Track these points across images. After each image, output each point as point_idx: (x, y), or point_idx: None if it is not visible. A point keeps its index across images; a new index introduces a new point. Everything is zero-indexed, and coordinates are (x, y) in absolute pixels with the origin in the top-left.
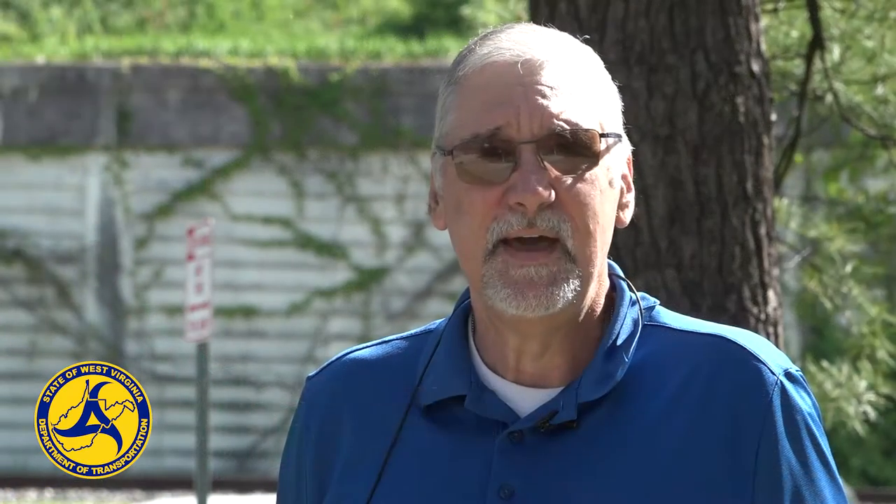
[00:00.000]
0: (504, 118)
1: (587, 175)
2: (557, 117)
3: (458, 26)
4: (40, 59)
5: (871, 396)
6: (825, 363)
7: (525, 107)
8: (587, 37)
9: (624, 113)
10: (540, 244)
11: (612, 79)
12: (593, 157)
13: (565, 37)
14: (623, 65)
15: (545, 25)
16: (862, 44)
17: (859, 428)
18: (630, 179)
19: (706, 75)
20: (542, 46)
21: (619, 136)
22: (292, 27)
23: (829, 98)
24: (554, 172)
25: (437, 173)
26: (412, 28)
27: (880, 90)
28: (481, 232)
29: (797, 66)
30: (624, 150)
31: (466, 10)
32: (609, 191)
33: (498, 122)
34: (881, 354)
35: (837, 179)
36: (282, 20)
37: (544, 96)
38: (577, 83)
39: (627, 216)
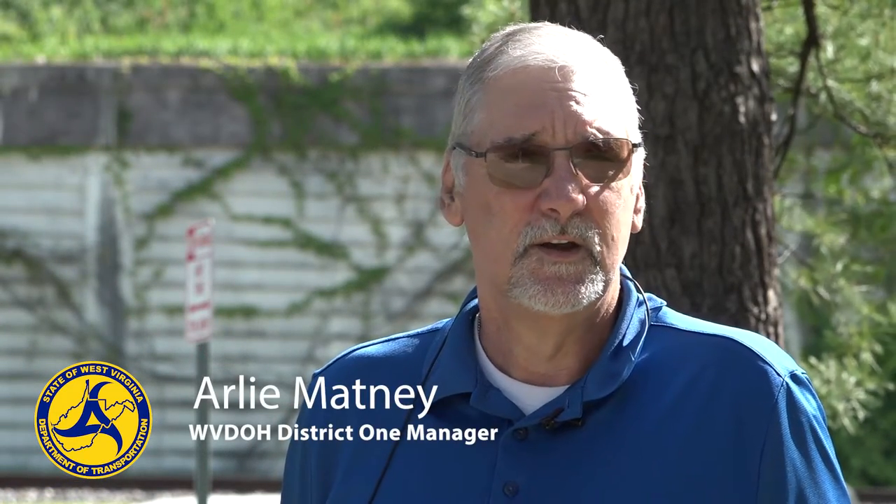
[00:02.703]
0: (539, 123)
1: (614, 183)
2: (591, 125)
3: (458, 26)
4: (40, 59)
5: (860, 394)
6: (813, 360)
7: (560, 112)
8: (602, 37)
9: None
10: (570, 249)
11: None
12: (623, 166)
13: (592, 41)
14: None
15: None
16: (856, 41)
17: (848, 424)
18: (641, 185)
19: (706, 75)
20: (574, 52)
21: (640, 143)
22: (292, 27)
23: (823, 96)
24: (583, 179)
25: (459, 171)
26: (412, 28)
27: (875, 87)
28: (513, 236)
29: (791, 64)
30: (642, 156)
31: (466, 10)
32: (629, 198)
33: (533, 128)
34: (866, 356)
35: (839, 182)
36: (282, 20)
37: (578, 103)
38: (608, 91)
39: (640, 221)
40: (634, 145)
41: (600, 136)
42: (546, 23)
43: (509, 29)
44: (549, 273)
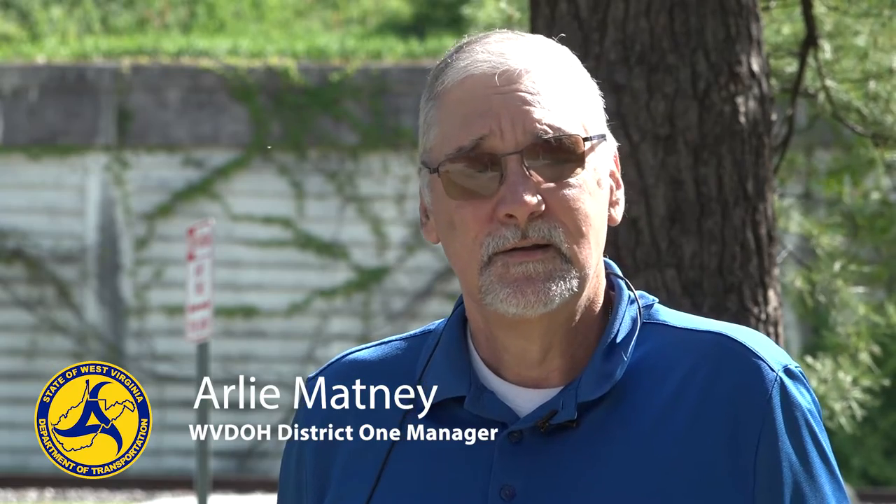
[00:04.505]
0: (486, 127)
1: (574, 180)
2: (540, 122)
3: (458, 26)
4: (40, 59)
5: (857, 393)
6: (809, 359)
7: (506, 115)
8: (563, 35)
9: (624, 113)
10: (535, 250)
11: (613, 79)
12: (579, 161)
13: (542, 41)
14: (623, 65)
15: (545, 26)
16: (854, 42)
17: (846, 423)
18: (618, 176)
19: (706, 75)
20: (518, 55)
21: (602, 136)
22: (292, 27)
23: (821, 96)
24: (540, 180)
25: (425, 189)
26: (412, 28)
27: (872, 86)
28: (475, 247)
29: (789, 64)
30: (609, 148)
31: (466, 10)
32: (598, 191)
33: (481, 132)
34: (864, 356)
35: (841, 183)
36: (282, 20)
37: (526, 103)
38: (557, 88)
39: (619, 213)
40: (587, 139)
41: (551, 132)
42: (497, 31)
43: (461, 42)
44: (516, 274)
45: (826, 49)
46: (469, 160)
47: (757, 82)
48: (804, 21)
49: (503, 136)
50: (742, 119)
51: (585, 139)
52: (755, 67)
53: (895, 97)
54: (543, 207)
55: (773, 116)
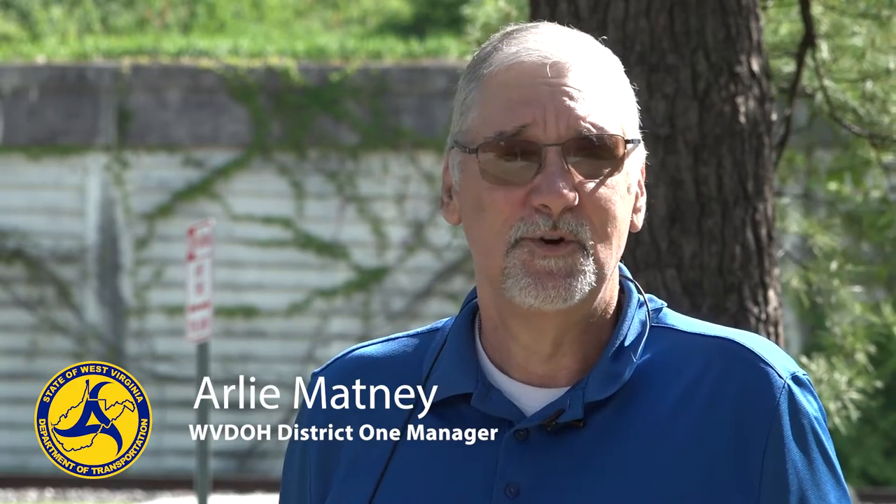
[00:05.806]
0: (530, 116)
1: (609, 180)
2: (584, 120)
3: (458, 26)
4: (40, 59)
5: (852, 394)
6: (804, 360)
7: (552, 107)
8: (605, 38)
9: None
10: (560, 244)
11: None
12: (616, 163)
13: (590, 39)
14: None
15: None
16: (851, 42)
17: (840, 424)
18: (643, 184)
19: (706, 75)
20: (569, 49)
21: (638, 141)
22: (292, 27)
23: (819, 96)
24: (577, 176)
25: (455, 169)
26: (412, 28)
27: (869, 86)
28: (504, 229)
29: (786, 64)
30: (641, 155)
31: (466, 10)
32: (627, 196)
33: (524, 121)
34: (860, 356)
35: (842, 181)
36: (282, 20)
37: (572, 98)
38: (603, 87)
39: (640, 221)
40: (628, 142)
41: (594, 131)
42: (545, 22)
43: (508, 28)
44: (539, 267)
45: (823, 49)
46: (508, 146)
47: (757, 82)
48: (802, 21)
49: (546, 128)
50: (742, 119)
51: (626, 141)
52: (755, 67)
53: (892, 97)
54: (577, 202)
55: (774, 116)
